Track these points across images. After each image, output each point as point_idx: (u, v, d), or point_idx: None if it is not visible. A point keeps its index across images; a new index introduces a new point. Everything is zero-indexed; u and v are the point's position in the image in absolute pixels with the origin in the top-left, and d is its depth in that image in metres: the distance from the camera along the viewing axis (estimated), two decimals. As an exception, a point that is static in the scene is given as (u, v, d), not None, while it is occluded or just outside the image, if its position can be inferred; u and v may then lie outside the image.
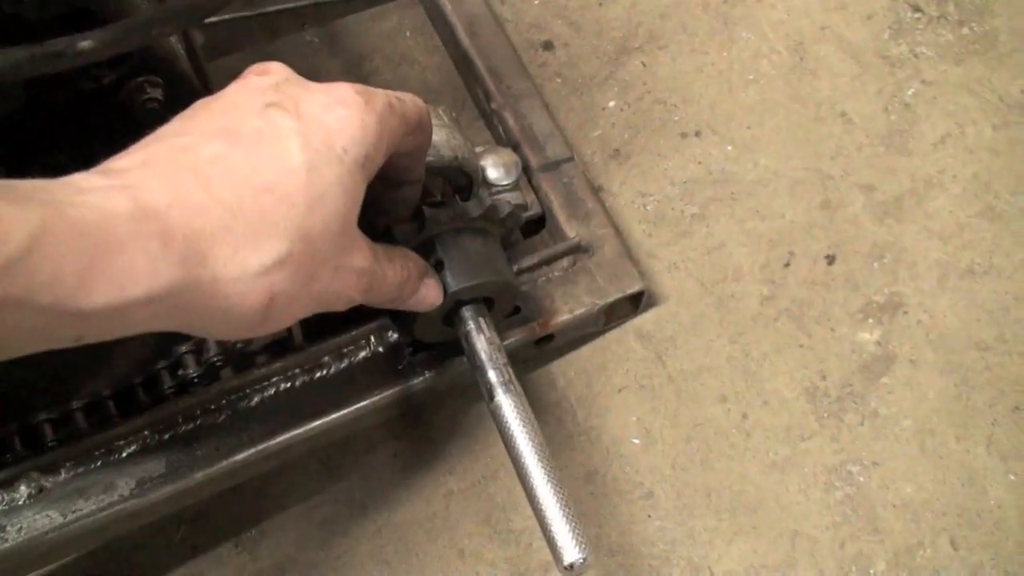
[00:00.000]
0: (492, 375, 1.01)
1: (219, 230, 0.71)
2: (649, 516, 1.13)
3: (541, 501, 0.95)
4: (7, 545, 0.98)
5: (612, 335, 1.24)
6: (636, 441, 1.17)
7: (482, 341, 1.02)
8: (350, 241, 0.82)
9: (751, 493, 1.15)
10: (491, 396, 1.00)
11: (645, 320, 1.25)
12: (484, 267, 1.03)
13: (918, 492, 1.14)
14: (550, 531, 0.94)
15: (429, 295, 0.97)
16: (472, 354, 1.02)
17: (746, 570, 1.10)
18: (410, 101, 0.89)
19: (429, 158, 1.06)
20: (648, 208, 1.32)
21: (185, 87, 1.03)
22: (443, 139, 1.08)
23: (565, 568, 0.93)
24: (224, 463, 1.04)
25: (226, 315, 0.74)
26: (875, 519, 1.13)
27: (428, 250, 1.02)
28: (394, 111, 0.85)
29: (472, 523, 1.14)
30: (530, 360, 1.20)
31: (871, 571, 1.10)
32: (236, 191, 0.73)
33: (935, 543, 1.12)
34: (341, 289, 0.83)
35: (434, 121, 1.08)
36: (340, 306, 0.85)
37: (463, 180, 1.12)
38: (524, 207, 1.19)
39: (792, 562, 1.11)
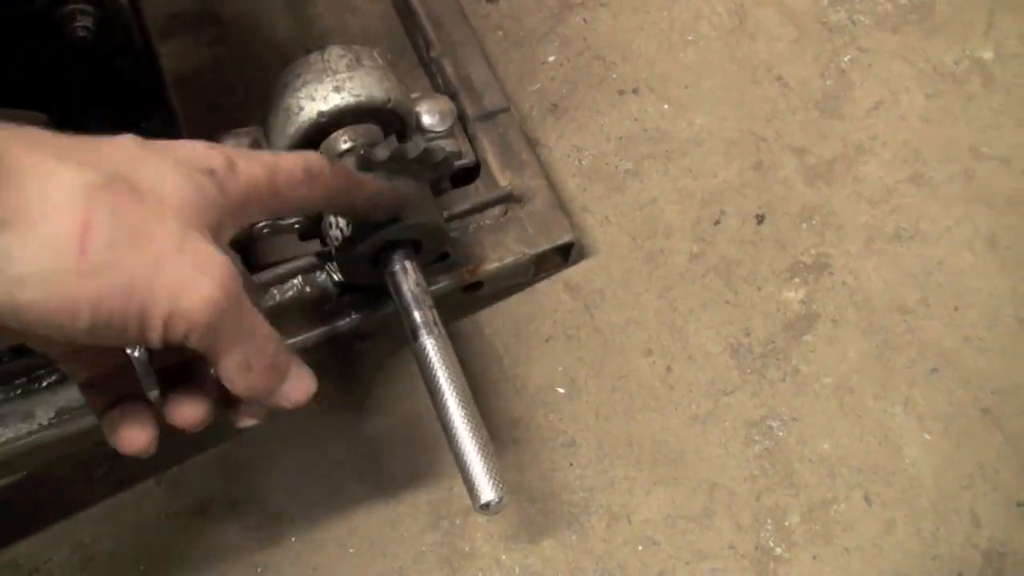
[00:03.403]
0: (417, 316, 1.01)
1: None
2: (571, 464, 1.14)
3: (459, 442, 0.95)
4: (-78, 471, 0.97)
5: (541, 286, 1.25)
6: (561, 390, 1.18)
7: (409, 282, 1.03)
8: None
9: (672, 444, 1.16)
10: (415, 336, 1.00)
11: (575, 272, 1.25)
12: (414, 209, 1.03)
13: (835, 448, 1.16)
14: (467, 471, 0.95)
15: (297, 390, 0.78)
16: (398, 295, 1.03)
17: (664, 519, 1.12)
18: (291, 160, 0.80)
19: (361, 99, 1.06)
20: (583, 163, 1.33)
21: (118, 19, 1.02)
22: (375, 81, 1.08)
23: (481, 507, 0.94)
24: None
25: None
26: (792, 473, 1.14)
27: None
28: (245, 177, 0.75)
29: (396, 466, 1.14)
30: (458, 307, 1.21)
31: (786, 523, 1.12)
32: None
33: (849, 498, 1.14)
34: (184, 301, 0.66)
35: (367, 63, 1.08)
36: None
37: (396, 124, 1.12)
38: (458, 155, 1.19)
39: (709, 512, 1.12)
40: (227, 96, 1.38)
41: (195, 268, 0.66)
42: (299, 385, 0.78)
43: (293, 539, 1.11)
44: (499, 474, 0.95)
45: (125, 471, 1.14)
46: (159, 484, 1.14)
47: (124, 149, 0.69)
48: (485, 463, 0.94)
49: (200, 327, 0.66)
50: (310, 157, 0.82)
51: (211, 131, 1.17)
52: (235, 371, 0.72)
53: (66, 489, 1.13)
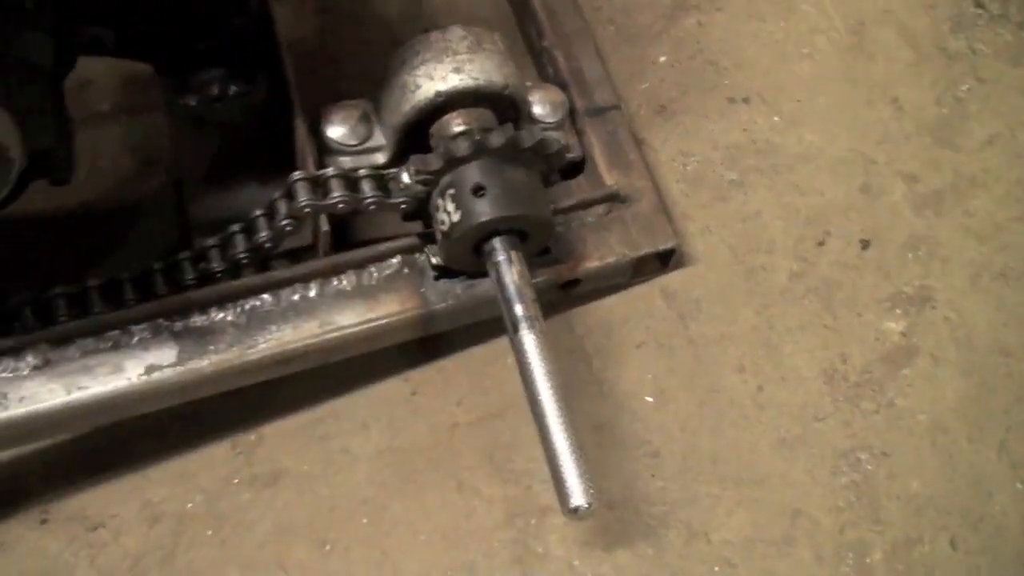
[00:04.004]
0: (519, 308, 0.99)
1: None
2: (653, 475, 1.12)
3: (554, 441, 0.94)
4: (6, 413, 0.96)
5: (637, 290, 1.22)
6: (649, 399, 1.16)
7: (513, 273, 1.01)
8: None
9: (758, 466, 1.13)
10: (515, 329, 0.98)
11: (672, 279, 1.23)
12: (524, 199, 1.01)
13: (924, 488, 1.13)
14: (559, 472, 0.93)
15: None
16: (501, 285, 1.01)
17: (743, 541, 1.09)
18: None
19: (480, 82, 1.04)
20: (688, 168, 1.30)
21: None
22: (495, 65, 1.06)
23: (570, 511, 0.92)
24: (235, 360, 1.02)
25: None
26: (878, 509, 1.11)
27: (467, 173, 1.00)
28: None
29: (474, 458, 1.12)
30: (553, 303, 1.18)
31: (867, 560, 1.09)
32: None
33: (934, 541, 1.10)
34: None
35: (487, 47, 1.06)
36: None
37: (510, 111, 1.10)
38: (568, 148, 1.16)
39: (790, 540, 1.09)
40: (332, 66, 1.36)
41: None
42: None
43: (365, 520, 1.09)
44: (591, 479, 0.93)
45: (200, 433, 1.12)
46: (234, 450, 1.12)
47: None
48: (578, 466, 0.92)
49: None
50: None
51: (316, 99, 1.15)
52: None
53: (138, 446, 1.11)
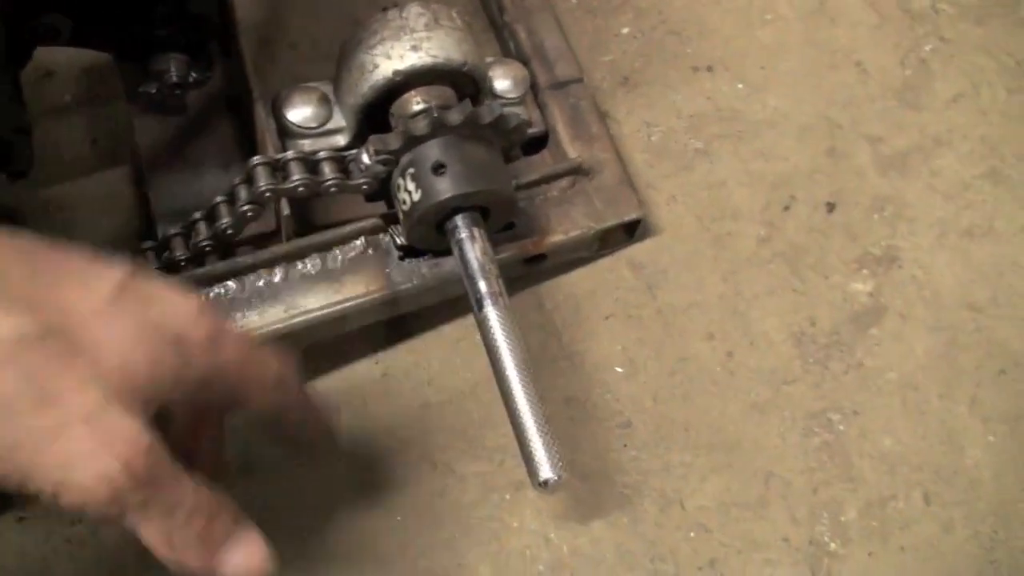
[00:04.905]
0: (482, 285, 0.99)
1: None
2: (625, 445, 1.12)
3: (521, 415, 0.94)
4: None
5: (604, 262, 1.22)
6: (619, 370, 1.16)
7: (476, 250, 1.01)
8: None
9: (729, 432, 1.14)
10: (480, 306, 0.99)
11: (639, 250, 1.23)
12: (485, 176, 1.01)
13: (896, 445, 1.13)
14: (528, 446, 0.93)
15: (239, 566, 0.73)
16: (464, 262, 1.01)
17: (718, 506, 1.10)
18: (273, 365, 0.80)
19: (438, 60, 1.04)
20: (652, 139, 1.30)
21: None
22: (454, 42, 1.06)
23: (540, 484, 0.92)
24: (202, 350, 1.02)
25: None
26: (850, 468, 1.12)
27: (427, 151, 1.00)
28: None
29: (447, 436, 1.12)
30: (518, 279, 1.18)
31: (842, 518, 1.09)
32: None
33: (908, 496, 1.11)
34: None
35: (445, 23, 1.06)
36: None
37: (470, 88, 1.10)
38: (529, 123, 1.16)
39: (764, 502, 1.10)
40: (290, 49, 1.35)
41: (97, 441, 0.62)
42: (243, 560, 0.73)
43: (339, 504, 1.09)
44: (559, 452, 0.93)
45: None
46: (207, 439, 1.12)
47: (87, 298, 0.66)
48: (545, 440, 0.93)
49: (97, 502, 0.63)
50: (288, 373, 0.82)
51: (274, 83, 1.15)
52: (157, 547, 0.69)
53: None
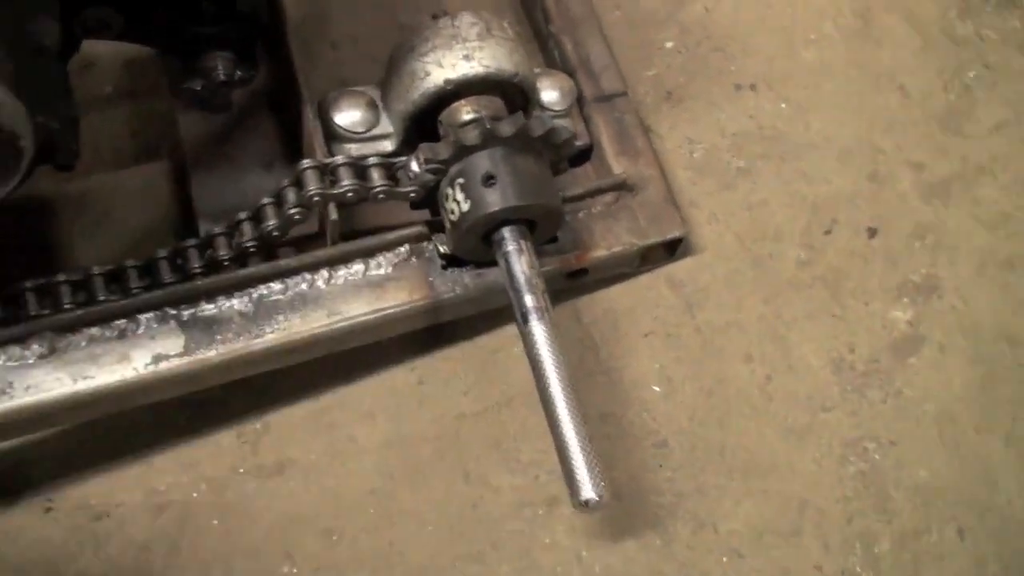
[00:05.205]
0: (529, 299, 0.98)
1: None
2: (660, 465, 1.11)
3: (564, 433, 0.93)
4: (12, 403, 0.95)
5: (644, 279, 1.21)
6: (656, 388, 1.15)
7: (523, 263, 1.00)
8: None
9: (765, 456, 1.13)
10: (525, 320, 0.98)
11: (679, 268, 1.22)
12: (535, 189, 1.01)
13: (931, 478, 1.13)
14: (570, 464, 0.92)
15: None
16: (511, 275, 1.00)
17: (751, 532, 1.09)
18: None
19: (490, 70, 1.03)
20: (695, 156, 1.29)
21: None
22: (505, 52, 1.05)
23: (580, 503, 0.91)
24: (242, 350, 1.01)
25: None
26: (885, 499, 1.11)
27: (477, 162, 0.99)
28: None
29: (481, 447, 1.12)
30: (559, 292, 1.17)
31: (875, 549, 1.09)
32: None
33: (942, 531, 1.10)
34: None
35: (497, 33, 1.05)
36: None
37: (519, 98, 1.09)
38: (576, 136, 1.15)
39: (798, 530, 1.09)
40: (334, 50, 1.34)
41: None
42: None
43: (372, 510, 1.09)
44: (601, 472, 0.92)
45: (205, 421, 1.11)
46: (240, 439, 1.11)
47: None
48: (588, 459, 0.92)
49: None
50: None
51: (315, 83, 1.14)
52: None
53: (142, 434, 1.10)
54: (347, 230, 1.10)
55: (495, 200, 0.98)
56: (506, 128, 0.99)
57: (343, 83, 1.13)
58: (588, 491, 0.91)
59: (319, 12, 1.37)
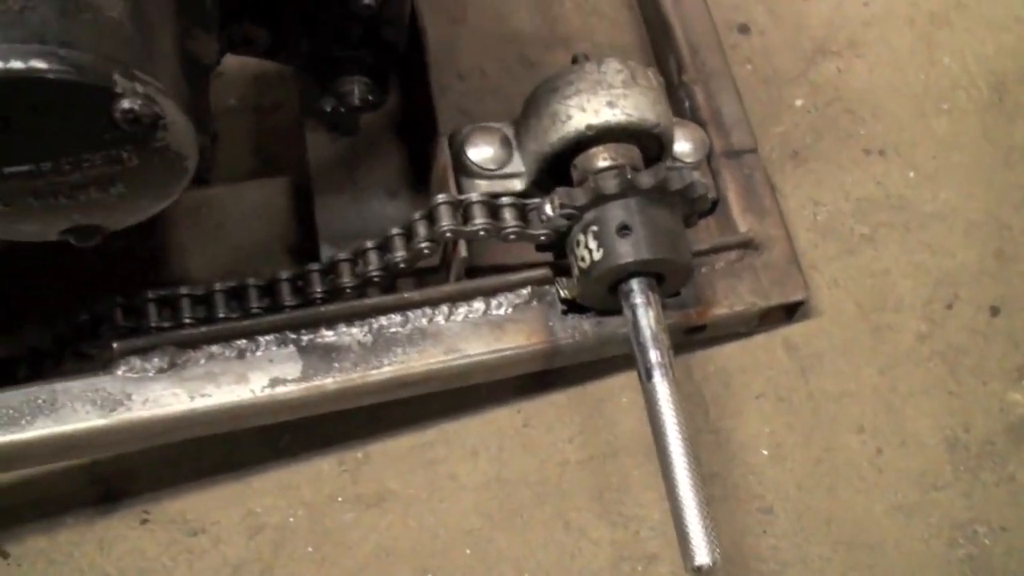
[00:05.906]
0: (654, 355, 0.97)
1: None
2: (764, 532, 1.09)
3: (681, 495, 0.91)
4: (129, 415, 0.95)
5: (759, 339, 1.19)
6: (765, 452, 1.13)
7: (650, 318, 0.98)
8: None
9: (872, 531, 1.10)
10: (648, 376, 0.96)
11: (795, 331, 1.20)
12: (668, 243, 0.99)
13: (1043, 569, 1.09)
14: (685, 527, 0.90)
15: None
16: (637, 329, 0.98)
17: (854, 609, 1.06)
18: None
19: (632, 119, 1.02)
20: (818, 218, 1.27)
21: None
22: (648, 102, 1.04)
23: (694, 568, 0.90)
24: (358, 380, 1.01)
25: None
26: (994, 586, 1.08)
27: (613, 211, 0.98)
28: None
29: (583, 498, 1.10)
30: (674, 347, 1.16)
31: (980, 639, 1.06)
32: None
33: (1048, 626, 1.07)
34: None
35: (642, 82, 1.04)
36: None
37: (655, 149, 1.08)
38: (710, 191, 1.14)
39: (902, 611, 1.06)
40: (460, 80, 1.34)
41: None
42: None
43: (468, 551, 1.07)
44: (717, 537, 0.90)
45: (307, 445, 1.11)
46: (340, 466, 1.10)
47: None
48: (705, 523, 0.90)
49: None
50: None
51: (443, 115, 1.13)
52: None
53: (244, 453, 1.10)
54: (468, 266, 1.10)
55: (628, 251, 0.97)
56: (646, 179, 0.98)
57: (466, 115, 1.13)
58: (703, 556, 0.89)
59: (449, 41, 1.36)
